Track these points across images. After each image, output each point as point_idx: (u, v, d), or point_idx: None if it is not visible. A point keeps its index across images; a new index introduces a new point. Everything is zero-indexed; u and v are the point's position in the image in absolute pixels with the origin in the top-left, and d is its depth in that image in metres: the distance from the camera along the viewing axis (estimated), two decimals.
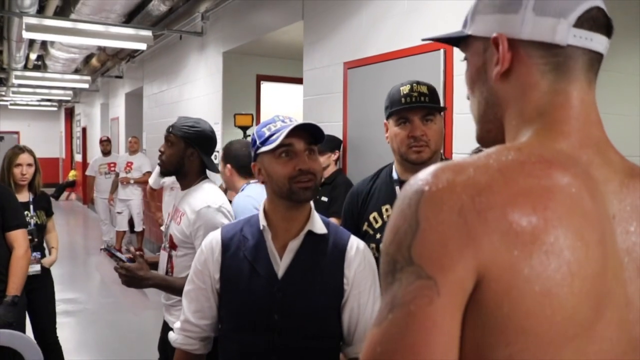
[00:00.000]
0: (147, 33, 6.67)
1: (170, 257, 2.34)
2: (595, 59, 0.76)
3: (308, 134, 1.56)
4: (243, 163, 2.76)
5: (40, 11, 6.68)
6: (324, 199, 3.96)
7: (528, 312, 0.61)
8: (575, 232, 0.63)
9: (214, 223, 2.18)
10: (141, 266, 2.17)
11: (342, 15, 4.25)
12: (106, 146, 9.21)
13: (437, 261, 0.62)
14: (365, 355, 0.63)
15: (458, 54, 3.17)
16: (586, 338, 0.63)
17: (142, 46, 7.06)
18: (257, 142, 1.58)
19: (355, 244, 1.62)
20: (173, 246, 2.33)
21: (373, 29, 3.93)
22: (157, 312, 3.13)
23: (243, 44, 5.94)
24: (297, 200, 1.54)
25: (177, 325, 1.68)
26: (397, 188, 1.99)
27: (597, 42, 0.74)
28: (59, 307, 5.80)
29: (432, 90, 1.94)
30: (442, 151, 2.06)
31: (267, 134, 1.56)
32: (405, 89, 1.92)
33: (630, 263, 0.68)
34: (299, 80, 4.92)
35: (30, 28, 5.96)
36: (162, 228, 2.55)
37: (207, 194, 2.32)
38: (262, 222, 1.60)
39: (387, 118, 2.00)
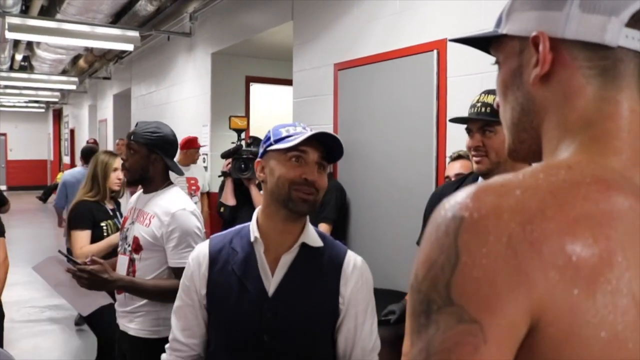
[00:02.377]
0: (134, 34, 6.55)
1: (132, 260, 2.25)
2: None
3: (325, 148, 1.47)
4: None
5: (25, 11, 6.56)
6: None
7: None
8: None
9: (189, 226, 2.16)
10: (104, 268, 2.08)
11: (332, 15, 4.16)
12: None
13: (483, 301, 0.52)
14: None
15: (452, 55, 3.09)
16: None
17: (129, 47, 6.94)
18: (271, 139, 1.49)
19: (352, 259, 1.52)
20: (137, 249, 2.24)
21: (364, 30, 3.84)
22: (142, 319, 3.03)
23: (232, 44, 5.84)
24: (294, 209, 1.44)
25: (167, 345, 1.58)
26: None
27: None
28: (44, 314, 5.68)
29: None
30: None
31: (284, 134, 1.47)
32: (475, 99, 1.88)
33: None
34: (289, 82, 4.83)
35: (13, 28, 5.83)
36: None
37: (179, 197, 2.30)
38: (254, 233, 1.49)
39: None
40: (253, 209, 4.19)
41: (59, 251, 2.23)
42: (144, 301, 2.20)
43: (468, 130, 1.89)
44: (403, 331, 2.23)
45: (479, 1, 2.99)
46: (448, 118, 3.14)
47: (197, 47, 6.63)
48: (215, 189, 5.38)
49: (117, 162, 3.34)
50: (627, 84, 0.64)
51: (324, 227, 3.72)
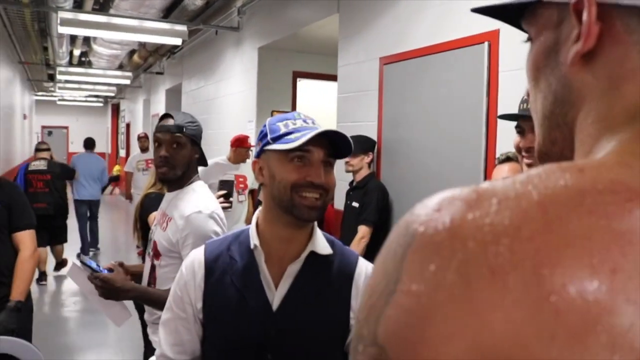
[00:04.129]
0: (182, 28, 6.54)
1: (153, 267, 2.10)
2: None
3: (330, 144, 1.30)
4: None
5: (79, 7, 6.67)
6: (355, 204, 3.70)
7: None
8: None
9: (205, 231, 1.96)
10: (118, 276, 1.95)
11: (378, 7, 3.97)
12: (144, 142, 9.17)
13: (409, 346, 0.37)
14: None
15: (505, 46, 2.86)
16: None
17: (178, 41, 6.94)
18: (268, 137, 1.31)
19: (364, 268, 1.36)
20: (157, 255, 2.08)
21: (411, 22, 3.64)
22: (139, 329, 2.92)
23: (279, 39, 5.73)
24: (298, 217, 1.28)
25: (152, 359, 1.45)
26: None
27: None
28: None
29: None
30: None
31: (283, 130, 1.30)
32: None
33: None
34: (335, 77, 4.67)
35: (65, 22, 5.91)
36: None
37: (199, 198, 2.09)
38: (254, 240, 1.32)
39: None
40: None
41: (78, 255, 2.12)
42: None
43: (519, 129, 1.70)
44: None
45: None
46: (498, 115, 2.92)
47: (245, 42, 6.57)
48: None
49: None
50: None
51: (364, 230, 3.55)
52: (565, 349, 0.34)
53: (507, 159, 2.42)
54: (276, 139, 1.29)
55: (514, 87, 2.83)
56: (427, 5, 3.49)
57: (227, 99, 7.20)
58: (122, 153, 17.29)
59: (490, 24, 2.99)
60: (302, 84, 6.57)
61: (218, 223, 2.03)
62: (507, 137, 2.84)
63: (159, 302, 1.96)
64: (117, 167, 17.58)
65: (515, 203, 0.39)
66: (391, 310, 0.38)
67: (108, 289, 1.94)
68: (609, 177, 0.40)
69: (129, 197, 9.32)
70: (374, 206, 3.57)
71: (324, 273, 1.33)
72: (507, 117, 1.70)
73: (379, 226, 3.62)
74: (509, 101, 2.86)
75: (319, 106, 6.60)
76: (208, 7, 6.68)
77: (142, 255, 1.98)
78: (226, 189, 3.23)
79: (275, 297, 1.30)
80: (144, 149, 9.20)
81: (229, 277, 1.33)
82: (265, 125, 1.35)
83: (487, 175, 2.97)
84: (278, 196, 1.28)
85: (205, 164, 2.25)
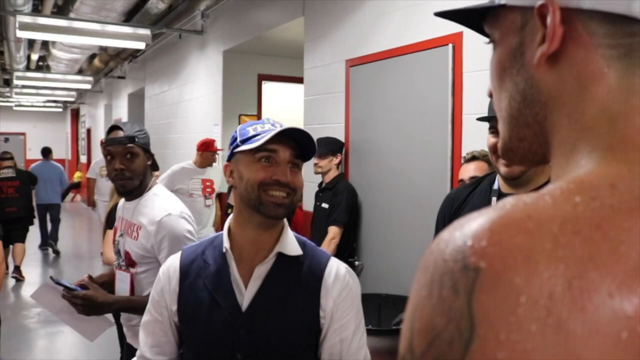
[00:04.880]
0: (145, 32, 6.47)
1: (130, 275, 2.13)
2: None
3: (297, 145, 1.34)
4: None
5: (37, 10, 6.52)
6: (325, 205, 3.73)
7: None
8: None
9: (179, 231, 2.02)
10: (97, 292, 1.96)
11: (344, 10, 4.02)
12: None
13: None
14: None
15: (468, 48, 2.93)
16: None
17: (141, 45, 6.86)
18: (238, 140, 1.36)
19: (334, 268, 1.38)
20: (131, 264, 2.11)
21: (376, 24, 3.69)
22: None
23: (243, 42, 5.73)
24: (267, 214, 1.31)
25: None
26: (493, 200, 1.76)
27: None
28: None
29: None
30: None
31: (252, 133, 1.34)
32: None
33: None
34: (301, 80, 4.70)
35: (24, 27, 5.78)
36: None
37: (165, 201, 2.13)
38: (225, 243, 1.36)
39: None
40: None
41: (51, 277, 2.10)
42: None
43: (493, 130, 1.70)
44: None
45: None
46: (464, 115, 2.99)
47: (209, 45, 6.54)
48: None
49: None
50: None
51: (334, 230, 3.58)
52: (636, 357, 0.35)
53: (473, 157, 2.49)
54: (244, 141, 1.33)
55: (478, 87, 2.90)
56: (391, 8, 3.55)
57: (192, 103, 7.15)
58: (83, 159, 16.94)
59: (454, 26, 3.07)
60: (268, 86, 6.57)
61: (189, 222, 2.09)
62: (472, 137, 2.92)
63: (143, 308, 1.97)
64: (78, 174, 17.22)
65: (575, 228, 0.38)
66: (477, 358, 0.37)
67: (90, 306, 1.95)
68: (638, 193, 0.41)
69: (92, 203, 9.17)
70: (344, 207, 3.61)
71: (294, 273, 1.35)
72: (486, 119, 1.74)
73: (348, 227, 3.66)
74: (473, 101, 2.94)
75: (284, 108, 6.62)
76: (171, 10, 6.62)
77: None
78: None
79: (245, 298, 1.33)
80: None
81: (202, 280, 1.36)
82: (236, 131, 1.40)
83: (453, 174, 3.04)
84: (246, 195, 1.32)
85: (157, 168, 2.29)
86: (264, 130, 1.33)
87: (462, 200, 1.86)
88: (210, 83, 6.50)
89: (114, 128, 2.16)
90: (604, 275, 0.36)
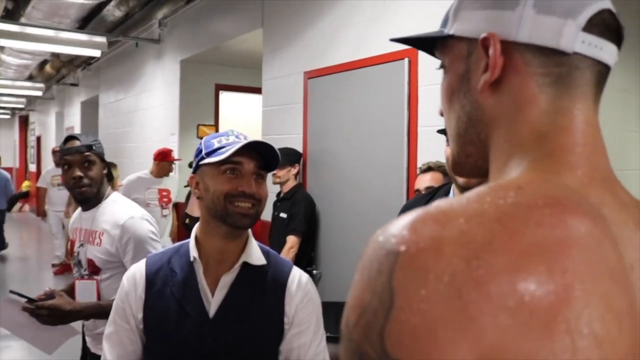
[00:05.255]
0: (101, 39, 6.39)
1: (97, 282, 2.13)
2: (602, 72, 0.60)
3: (261, 157, 1.38)
4: None
5: None
6: (283, 215, 3.76)
7: None
8: (603, 299, 0.47)
9: (143, 232, 2.07)
10: (63, 300, 1.94)
11: (303, 22, 4.09)
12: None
13: (424, 353, 0.44)
14: None
15: (423, 63, 3.03)
16: None
17: (96, 53, 6.77)
18: (203, 152, 1.40)
19: (297, 276, 1.44)
20: (95, 271, 2.12)
21: (335, 38, 3.77)
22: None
23: (201, 52, 5.73)
24: (233, 224, 1.35)
25: None
26: None
27: (606, 51, 0.59)
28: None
29: None
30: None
31: (217, 145, 1.38)
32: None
33: None
34: (258, 90, 4.73)
35: None
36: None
37: (125, 205, 2.18)
38: (193, 252, 1.38)
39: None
40: None
41: (11, 291, 2.04)
42: None
43: None
44: None
45: None
46: (419, 127, 3.08)
47: (166, 54, 6.50)
48: (182, 199, 5.24)
49: (117, 172, 3.25)
50: (583, 93, 0.58)
51: (292, 240, 3.62)
52: (540, 339, 0.44)
53: (429, 168, 2.57)
54: (209, 154, 1.37)
55: (433, 101, 3.01)
56: (349, 22, 3.64)
57: (148, 112, 7.07)
58: (32, 168, 16.44)
59: None
60: (225, 96, 6.57)
61: (152, 224, 2.13)
62: (427, 148, 3.01)
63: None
64: (26, 183, 16.68)
65: (479, 221, 0.47)
66: (395, 326, 0.45)
67: (57, 315, 1.92)
68: (543, 193, 0.51)
69: (42, 213, 8.92)
70: (302, 216, 3.65)
71: (258, 282, 1.40)
72: (444, 131, 1.81)
73: (306, 236, 3.70)
74: (428, 114, 3.04)
75: (242, 119, 6.62)
76: (128, 18, 6.56)
77: (60, 272, 2.00)
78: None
79: (212, 306, 1.36)
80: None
81: (169, 288, 1.38)
82: (201, 143, 1.43)
83: (409, 184, 3.12)
84: (213, 207, 1.36)
85: (111, 178, 2.33)
86: (228, 143, 1.37)
87: None
88: (167, 92, 6.46)
89: (70, 138, 2.19)
90: (498, 256, 0.45)
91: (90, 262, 2.12)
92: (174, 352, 1.35)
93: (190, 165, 3.96)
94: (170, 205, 5.33)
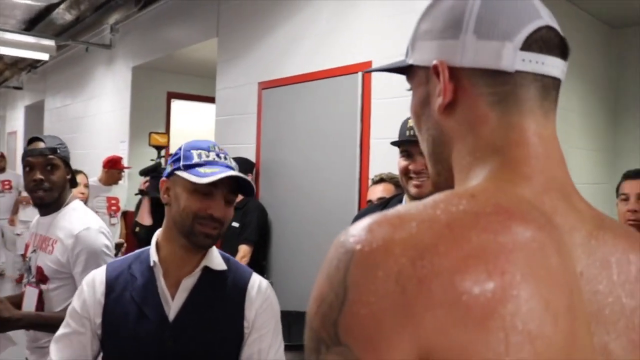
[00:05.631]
0: (50, 42, 6.24)
1: (40, 292, 2.04)
2: (550, 85, 0.65)
3: (233, 182, 1.40)
4: None
5: None
6: (235, 224, 3.76)
7: None
8: (541, 299, 0.51)
9: (97, 246, 1.98)
10: (3, 306, 1.86)
11: (258, 33, 4.12)
12: (0, 162, 8.51)
13: (369, 341, 0.49)
14: None
15: (377, 77, 3.11)
16: None
17: (44, 56, 6.60)
18: (181, 162, 1.39)
19: (257, 282, 1.46)
20: (43, 279, 2.04)
21: (290, 49, 3.82)
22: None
23: (154, 59, 5.67)
24: (196, 243, 1.37)
25: None
26: None
27: (550, 65, 0.63)
28: None
29: None
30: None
31: (196, 160, 1.38)
32: (411, 121, 1.80)
33: (598, 328, 0.57)
34: (211, 99, 4.72)
35: None
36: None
37: (83, 215, 2.09)
38: (154, 257, 1.39)
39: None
40: None
41: None
42: None
43: (406, 153, 1.82)
44: None
45: (403, 25, 3.03)
46: (372, 140, 3.16)
47: (117, 60, 6.40)
48: (131, 207, 5.15)
49: (81, 178, 3.13)
50: (530, 108, 0.63)
51: (244, 249, 3.62)
52: (474, 333, 0.49)
53: (381, 180, 2.64)
54: (188, 167, 1.37)
55: (385, 114, 3.09)
56: (305, 35, 3.69)
57: (97, 118, 6.93)
58: None
59: (363, 55, 3.25)
60: (177, 105, 6.52)
61: (107, 237, 2.06)
62: (379, 160, 3.08)
63: (53, 325, 1.90)
64: None
65: (429, 225, 0.52)
66: (347, 316, 0.50)
67: None
68: (493, 202, 0.56)
69: None
70: (254, 226, 3.66)
71: (219, 286, 1.41)
72: (397, 143, 1.86)
73: (258, 245, 3.71)
74: (381, 127, 3.12)
75: (194, 127, 6.58)
76: (78, 22, 6.43)
77: (20, 281, 1.92)
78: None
79: (172, 309, 1.37)
80: (0, 170, 8.53)
81: (129, 293, 1.38)
82: (180, 149, 1.43)
83: (361, 195, 3.18)
84: (180, 222, 1.37)
85: (75, 184, 2.25)
86: (208, 161, 1.38)
87: None
88: (118, 99, 6.35)
89: (34, 139, 2.12)
90: (441, 258, 0.50)
91: (39, 270, 2.04)
92: (133, 357, 1.35)
93: (141, 173, 3.92)
94: (119, 214, 5.23)
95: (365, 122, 3.20)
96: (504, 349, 0.48)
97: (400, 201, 1.95)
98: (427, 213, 0.54)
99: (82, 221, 2.04)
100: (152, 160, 3.97)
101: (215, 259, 1.44)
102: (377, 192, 2.60)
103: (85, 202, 3.45)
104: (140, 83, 6.07)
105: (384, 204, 2.05)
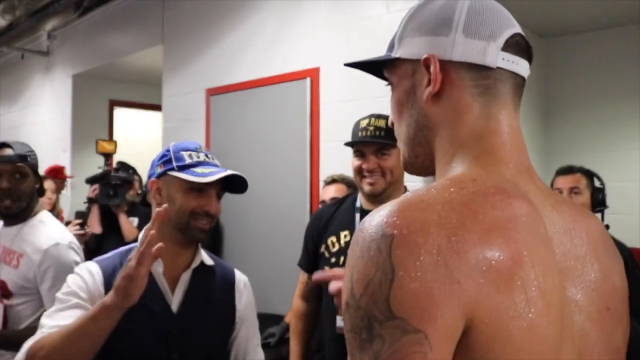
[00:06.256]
0: None
1: (4, 307, 1.95)
2: (520, 83, 0.76)
3: (222, 180, 1.46)
4: None
5: None
6: None
7: (519, 348, 0.58)
8: (541, 259, 0.62)
9: (66, 262, 1.92)
10: None
11: (204, 40, 4.15)
12: None
13: (424, 311, 0.56)
14: None
15: (324, 82, 3.22)
16: None
17: None
18: (174, 164, 1.44)
19: (241, 276, 1.60)
20: (6, 294, 1.94)
21: (237, 56, 3.87)
22: None
23: (95, 67, 5.58)
24: (192, 238, 1.44)
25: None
26: (357, 216, 1.97)
27: (521, 66, 0.75)
28: None
29: (390, 124, 1.89)
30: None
31: (188, 161, 1.44)
32: (363, 122, 1.92)
33: (567, 284, 0.68)
34: (155, 107, 4.70)
35: None
36: None
37: (51, 229, 2.01)
38: None
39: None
40: (120, 237, 3.93)
41: None
42: None
43: (359, 153, 1.93)
44: (284, 353, 2.29)
45: (349, 33, 3.16)
46: (321, 142, 3.25)
47: (56, 68, 6.25)
48: (73, 217, 5.03)
49: (48, 184, 3.06)
50: (505, 101, 0.74)
51: None
52: (504, 293, 0.59)
53: (333, 180, 2.74)
54: (182, 168, 1.43)
55: (333, 117, 3.20)
56: (252, 42, 3.76)
57: (35, 127, 6.72)
58: None
59: (311, 62, 3.35)
60: (119, 112, 6.42)
61: (77, 253, 2.00)
62: (329, 162, 3.18)
63: (13, 343, 1.81)
64: None
65: (451, 206, 0.61)
66: (399, 291, 0.56)
67: None
68: (492, 184, 0.67)
69: None
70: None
71: (211, 280, 1.51)
72: (351, 144, 1.96)
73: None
74: (329, 130, 3.22)
75: (138, 135, 6.50)
76: (12, 28, 6.23)
77: None
78: (81, 219, 3.22)
79: (173, 302, 1.43)
80: None
81: None
82: (168, 150, 1.48)
83: (312, 197, 3.27)
84: (176, 219, 1.42)
85: (43, 193, 2.15)
86: (200, 162, 1.45)
87: (328, 217, 2.08)
88: (58, 107, 6.19)
89: (2, 145, 2.02)
90: (469, 233, 0.60)
91: (3, 284, 1.94)
92: (142, 347, 1.37)
93: (88, 181, 3.85)
94: (62, 224, 5.10)
95: (314, 126, 3.30)
96: (525, 304, 0.58)
97: (355, 199, 2.05)
98: (444, 196, 0.63)
99: (50, 235, 1.97)
100: (99, 167, 3.92)
101: (204, 254, 1.52)
102: (330, 193, 2.69)
103: (53, 209, 3.35)
104: (81, 91, 5.96)
105: (339, 203, 2.14)
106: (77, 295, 1.37)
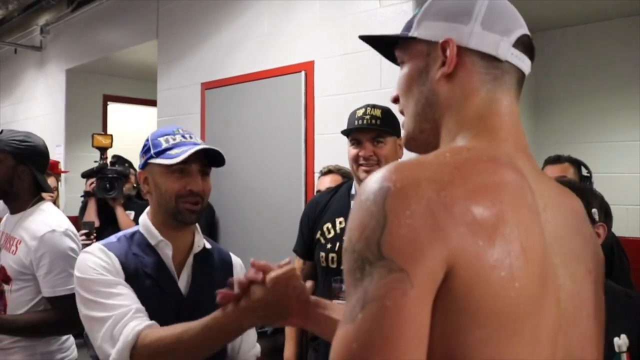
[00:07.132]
0: None
1: (2, 292, 1.98)
2: (522, 78, 0.85)
3: (206, 156, 1.48)
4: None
5: None
6: None
7: (497, 295, 0.64)
8: (525, 222, 0.69)
9: (62, 249, 1.94)
10: None
11: (200, 35, 4.18)
12: None
13: (409, 253, 0.63)
14: (340, 353, 0.62)
15: (318, 75, 3.27)
16: (538, 315, 0.68)
17: None
18: (152, 152, 1.47)
19: (237, 259, 1.63)
20: (5, 280, 1.97)
21: (232, 50, 3.91)
22: None
23: (89, 61, 5.60)
24: (182, 221, 1.46)
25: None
26: (352, 203, 2.01)
27: (525, 63, 0.84)
28: None
29: (385, 114, 1.97)
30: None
31: (164, 145, 1.46)
32: (359, 112, 1.99)
33: (554, 248, 0.75)
34: (150, 102, 4.73)
35: None
36: None
37: (49, 216, 2.03)
38: (158, 237, 1.47)
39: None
40: (118, 230, 3.96)
41: None
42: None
43: (355, 141, 1.99)
44: (280, 343, 2.31)
45: (343, 27, 3.21)
46: (316, 135, 3.31)
47: (49, 63, 6.26)
48: (69, 212, 5.06)
49: (51, 181, 3.05)
50: (508, 90, 0.83)
51: None
52: (487, 244, 0.65)
53: (329, 171, 2.80)
54: (159, 154, 1.45)
55: (327, 109, 3.25)
56: (247, 36, 3.80)
57: (29, 122, 6.72)
58: None
59: (306, 55, 3.40)
60: (115, 107, 6.44)
61: (74, 240, 2.02)
62: (323, 153, 3.24)
63: (19, 328, 1.89)
64: None
65: (443, 168, 0.69)
66: (388, 235, 0.63)
67: None
68: (485, 153, 0.75)
69: None
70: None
71: (211, 263, 1.55)
72: (347, 131, 2.02)
73: None
74: (323, 122, 3.28)
75: (132, 129, 6.52)
76: (4, 22, 6.24)
77: None
78: (87, 229, 3.22)
79: (181, 284, 1.47)
80: None
81: (142, 269, 1.43)
82: (148, 140, 1.51)
83: (307, 189, 3.32)
84: (164, 204, 1.45)
85: (47, 189, 2.16)
86: (176, 143, 1.45)
87: (324, 204, 2.13)
88: (51, 102, 6.20)
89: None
90: (457, 189, 0.67)
91: (2, 270, 1.98)
92: None
93: (84, 176, 3.88)
94: None
95: (309, 119, 3.35)
96: (505, 256, 0.65)
97: (350, 187, 2.11)
98: (439, 160, 0.70)
99: (47, 222, 1.99)
100: (95, 162, 3.95)
101: (202, 238, 1.55)
102: (325, 183, 2.75)
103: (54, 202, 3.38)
104: (75, 86, 5.97)
105: (334, 190, 2.20)
106: (111, 270, 1.38)
